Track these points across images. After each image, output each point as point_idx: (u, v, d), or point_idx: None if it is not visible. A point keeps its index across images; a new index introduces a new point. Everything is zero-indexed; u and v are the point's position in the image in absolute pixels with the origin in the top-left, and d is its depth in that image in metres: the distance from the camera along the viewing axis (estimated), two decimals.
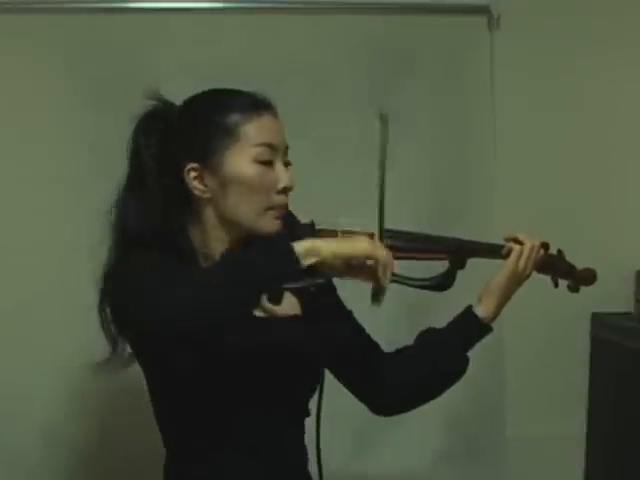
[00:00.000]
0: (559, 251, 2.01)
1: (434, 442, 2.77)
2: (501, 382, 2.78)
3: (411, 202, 2.73)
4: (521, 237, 1.91)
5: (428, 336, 1.92)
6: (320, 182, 2.66)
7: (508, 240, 1.92)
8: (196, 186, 1.70)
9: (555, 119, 2.84)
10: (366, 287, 1.73)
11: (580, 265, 2.02)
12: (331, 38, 2.71)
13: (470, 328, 1.90)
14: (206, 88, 1.76)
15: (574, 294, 2.03)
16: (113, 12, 2.62)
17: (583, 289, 2.02)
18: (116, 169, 1.75)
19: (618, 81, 2.88)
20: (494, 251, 1.92)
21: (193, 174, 1.70)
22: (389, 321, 2.59)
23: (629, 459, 2.71)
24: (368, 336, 1.94)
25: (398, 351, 1.94)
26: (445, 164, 2.78)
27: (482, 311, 1.90)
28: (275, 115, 1.75)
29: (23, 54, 2.58)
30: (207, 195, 1.70)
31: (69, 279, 2.44)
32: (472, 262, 1.91)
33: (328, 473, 2.65)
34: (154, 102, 1.76)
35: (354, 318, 1.91)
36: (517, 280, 1.91)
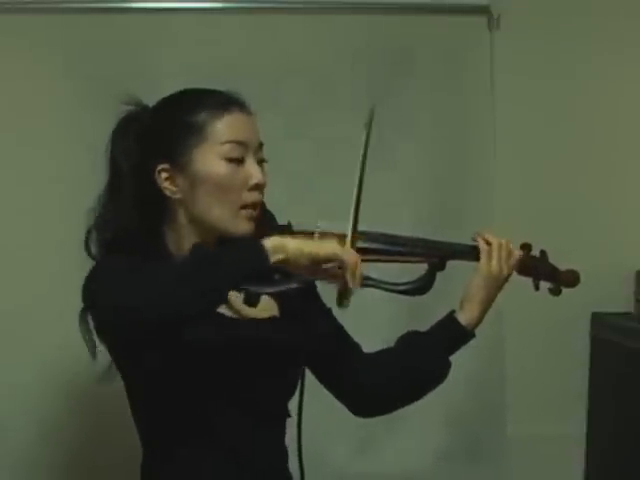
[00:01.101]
0: (542, 252, 1.97)
1: (435, 441, 2.77)
2: (501, 382, 2.78)
3: (411, 202, 2.73)
4: (487, 236, 1.86)
5: (410, 339, 1.89)
6: (320, 182, 2.66)
7: (476, 239, 1.87)
8: (167, 187, 1.70)
9: (555, 119, 2.84)
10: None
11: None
12: (331, 38, 2.70)
13: (453, 335, 1.86)
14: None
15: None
16: (113, 12, 2.62)
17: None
18: None
19: (618, 81, 2.88)
20: (470, 253, 1.87)
21: (164, 175, 1.69)
22: (389, 321, 2.59)
23: (629, 459, 2.71)
24: (347, 335, 1.91)
25: (380, 352, 1.91)
26: (445, 164, 2.78)
27: (464, 318, 1.86)
28: (247, 112, 1.72)
29: (22, 54, 2.57)
30: (178, 196, 1.70)
31: (67, 279, 2.43)
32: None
33: (328, 472, 2.66)
34: (131, 107, 1.76)
35: (333, 316, 1.88)
36: (494, 282, 1.85)
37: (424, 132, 2.75)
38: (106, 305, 1.56)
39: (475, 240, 1.87)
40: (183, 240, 1.72)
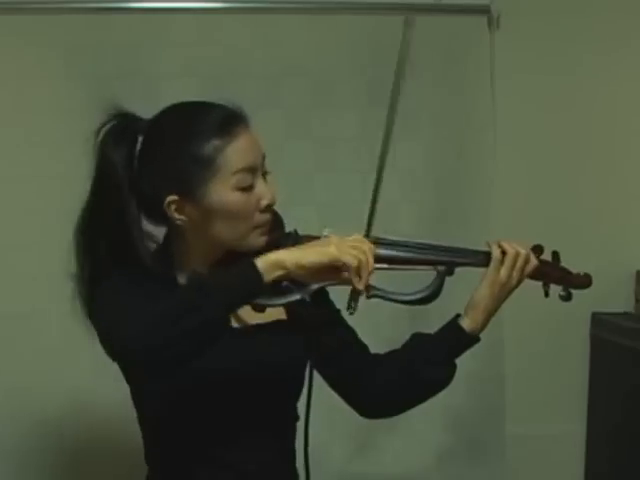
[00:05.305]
0: (554, 254, 1.92)
1: (435, 441, 2.78)
2: (501, 381, 2.79)
3: (411, 202, 2.73)
4: (504, 245, 1.80)
5: (416, 343, 1.86)
6: (320, 182, 2.67)
7: (490, 246, 1.81)
8: (178, 217, 1.68)
9: (555, 119, 2.84)
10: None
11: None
12: (331, 38, 2.71)
13: (457, 341, 1.83)
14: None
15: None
16: (113, 12, 2.61)
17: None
18: None
19: (618, 80, 2.88)
20: (481, 260, 1.81)
21: (173, 206, 1.67)
22: (389, 321, 2.59)
23: (629, 459, 2.72)
24: (355, 337, 1.89)
25: (387, 354, 1.89)
26: (445, 164, 2.78)
27: (469, 325, 1.82)
28: (248, 128, 1.69)
29: (23, 54, 2.58)
30: (189, 225, 1.68)
31: (67, 279, 2.43)
32: None
33: (329, 473, 2.66)
34: (117, 116, 1.73)
35: (342, 318, 1.87)
36: (502, 290, 1.80)
37: (424, 132, 2.75)
38: (115, 346, 1.58)
39: (489, 247, 1.81)
40: (190, 256, 1.72)
